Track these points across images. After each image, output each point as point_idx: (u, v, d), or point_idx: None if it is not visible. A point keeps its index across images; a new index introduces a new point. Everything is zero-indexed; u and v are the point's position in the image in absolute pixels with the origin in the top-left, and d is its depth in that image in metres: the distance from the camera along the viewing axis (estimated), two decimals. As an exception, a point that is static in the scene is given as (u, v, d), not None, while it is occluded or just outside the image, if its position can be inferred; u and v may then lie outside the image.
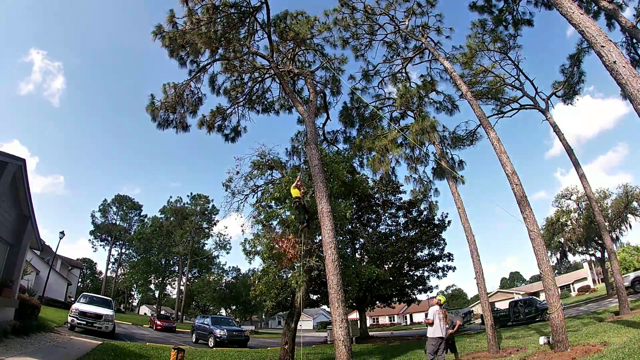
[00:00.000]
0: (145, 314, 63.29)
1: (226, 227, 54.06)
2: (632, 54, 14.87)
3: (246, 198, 15.87)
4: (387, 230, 27.12)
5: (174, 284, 55.99)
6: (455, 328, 9.73)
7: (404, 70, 17.16)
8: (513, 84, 19.12)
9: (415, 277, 26.78)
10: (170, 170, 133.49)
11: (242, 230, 15.75)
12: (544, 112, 18.71)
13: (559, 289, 11.55)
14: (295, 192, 10.46)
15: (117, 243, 61.87)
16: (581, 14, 7.05)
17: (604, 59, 6.47)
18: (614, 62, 6.29)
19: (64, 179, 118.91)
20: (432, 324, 8.32)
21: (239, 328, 21.30)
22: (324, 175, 10.96)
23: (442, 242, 26.87)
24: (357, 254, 25.44)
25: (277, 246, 12.08)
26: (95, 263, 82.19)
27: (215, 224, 53.58)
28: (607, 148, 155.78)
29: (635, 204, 33.79)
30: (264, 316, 66.02)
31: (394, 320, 65.38)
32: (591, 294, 41.39)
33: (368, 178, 21.35)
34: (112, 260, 62.64)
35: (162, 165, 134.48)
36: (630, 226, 34.45)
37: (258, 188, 15.83)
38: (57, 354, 8.81)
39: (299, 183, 10.78)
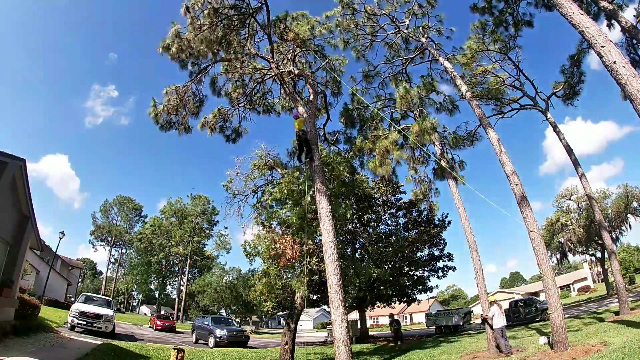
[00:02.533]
0: (145, 314, 63.28)
1: (226, 228, 53.96)
2: (632, 54, 14.88)
3: (246, 198, 15.87)
4: (387, 230, 27.13)
5: (174, 284, 56.05)
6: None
7: (404, 71, 17.16)
8: (513, 84, 19.14)
9: (415, 277, 26.77)
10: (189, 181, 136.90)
11: (244, 232, 15.76)
12: (544, 112, 18.75)
13: (559, 289, 11.58)
14: (299, 124, 11.11)
15: (118, 243, 61.94)
16: (581, 14, 7.06)
17: (603, 59, 6.48)
18: (614, 62, 6.30)
19: (108, 198, 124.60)
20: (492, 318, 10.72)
21: (239, 328, 21.29)
22: (324, 175, 10.98)
23: (442, 242, 26.88)
24: (357, 254, 25.44)
25: (277, 246, 12.07)
26: (95, 263, 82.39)
27: (215, 224, 53.63)
28: (603, 161, 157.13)
29: (635, 204, 33.82)
30: (264, 316, 65.97)
31: (394, 321, 65.28)
32: (591, 294, 41.41)
33: (368, 178, 21.32)
34: (112, 260, 62.77)
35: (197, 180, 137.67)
36: (630, 226, 34.52)
37: (258, 188, 15.84)
38: (57, 354, 8.81)
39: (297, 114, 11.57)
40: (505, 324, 10.83)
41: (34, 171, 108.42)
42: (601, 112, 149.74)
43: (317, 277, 11.71)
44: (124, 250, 63.21)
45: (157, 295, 59.82)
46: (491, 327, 10.95)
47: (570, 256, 39.63)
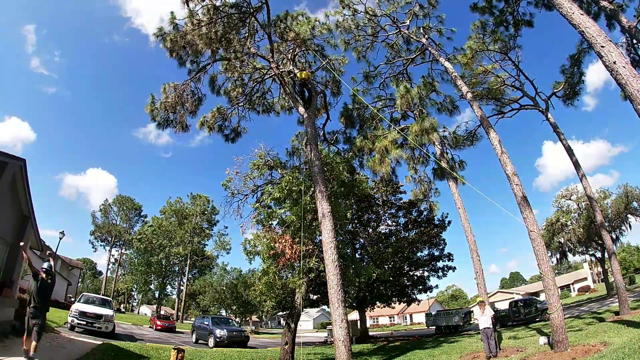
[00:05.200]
0: (145, 314, 63.28)
1: (226, 227, 53.95)
2: (632, 55, 14.89)
3: (246, 198, 15.86)
4: (387, 230, 27.09)
5: (174, 284, 56.02)
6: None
7: (405, 71, 17.18)
8: (513, 84, 19.12)
9: (415, 277, 26.75)
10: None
11: (242, 231, 15.75)
12: (544, 113, 18.73)
13: (559, 289, 11.58)
14: (303, 74, 11.64)
15: (118, 243, 61.89)
16: (581, 14, 7.05)
17: (604, 59, 6.48)
18: (614, 62, 6.29)
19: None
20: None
21: (239, 328, 21.26)
22: (324, 175, 10.97)
23: (442, 242, 26.86)
24: (357, 254, 25.42)
25: (276, 246, 12.06)
26: (95, 263, 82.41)
27: (215, 224, 53.59)
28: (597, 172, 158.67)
29: (635, 204, 33.78)
30: (263, 316, 65.95)
31: (394, 320, 65.34)
32: (591, 294, 41.41)
33: (368, 178, 21.24)
34: (112, 260, 62.73)
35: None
36: (630, 226, 34.49)
37: (258, 188, 15.82)
38: (57, 354, 8.81)
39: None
40: (490, 326, 10.32)
41: (81, 179, 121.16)
42: (593, 132, 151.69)
43: (315, 275, 11.66)
44: (124, 250, 63.19)
45: (157, 295, 59.73)
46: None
47: (570, 256, 39.59)
